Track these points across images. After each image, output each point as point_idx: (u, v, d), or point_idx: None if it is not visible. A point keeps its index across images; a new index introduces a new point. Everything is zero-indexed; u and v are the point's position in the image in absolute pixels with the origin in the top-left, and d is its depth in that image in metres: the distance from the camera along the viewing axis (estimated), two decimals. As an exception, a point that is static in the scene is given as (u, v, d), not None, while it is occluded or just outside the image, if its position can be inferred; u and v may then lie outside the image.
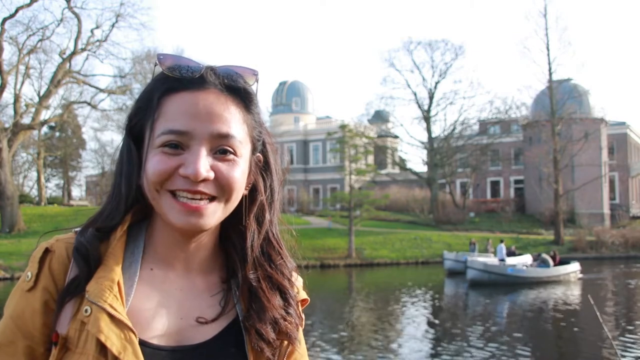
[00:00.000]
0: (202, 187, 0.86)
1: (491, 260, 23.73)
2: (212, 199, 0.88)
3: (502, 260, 23.44)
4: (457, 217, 43.41)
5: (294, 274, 1.06)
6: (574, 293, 19.55)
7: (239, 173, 0.90)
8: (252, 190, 0.98)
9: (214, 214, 0.89)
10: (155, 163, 0.86)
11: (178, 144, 0.87)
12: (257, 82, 0.94)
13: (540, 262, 23.48)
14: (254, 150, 0.96)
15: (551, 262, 23.14)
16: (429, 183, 44.79)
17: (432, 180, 44.53)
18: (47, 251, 0.91)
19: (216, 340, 0.94)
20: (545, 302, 17.49)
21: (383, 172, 51.07)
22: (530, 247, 36.29)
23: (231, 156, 0.89)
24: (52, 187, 56.44)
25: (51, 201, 46.67)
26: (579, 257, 34.54)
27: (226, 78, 0.91)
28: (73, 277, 0.89)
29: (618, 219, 44.94)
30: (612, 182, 50.21)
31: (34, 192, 48.91)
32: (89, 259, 0.89)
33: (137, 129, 0.92)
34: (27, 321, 0.88)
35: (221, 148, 0.88)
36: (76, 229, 0.95)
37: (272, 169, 1.01)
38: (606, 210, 46.34)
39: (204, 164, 0.86)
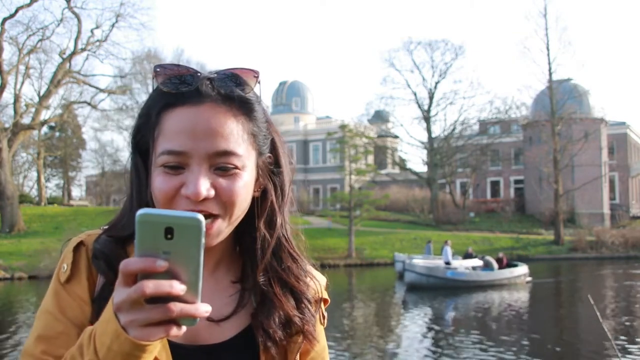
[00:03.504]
0: (203, 207, 0.85)
1: (432, 262, 22.41)
2: (215, 217, 0.87)
3: (448, 263, 22.10)
4: (457, 217, 43.40)
5: (317, 273, 1.07)
6: (517, 297, 18.89)
7: (242, 186, 0.89)
8: (264, 193, 0.97)
9: (218, 233, 0.88)
10: (158, 183, 0.87)
11: (178, 164, 0.86)
12: (259, 83, 0.92)
13: (484, 264, 22.27)
14: (260, 154, 0.95)
15: (495, 265, 22.00)
16: (429, 183, 44.78)
17: (432, 180, 44.52)
18: (80, 244, 0.94)
19: (232, 341, 0.96)
20: (484, 306, 17.03)
21: (383, 172, 51.06)
22: (530, 247, 36.32)
23: (233, 170, 0.88)
24: (52, 187, 56.47)
25: (51, 201, 46.69)
26: (579, 257, 34.62)
27: (222, 88, 0.89)
28: (102, 283, 0.91)
29: (618, 219, 44.93)
30: (612, 182, 50.22)
31: (34, 192, 48.90)
32: (110, 262, 0.91)
33: (142, 144, 0.93)
34: (67, 310, 0.89)
35: (221, 166, 0.87)
36: (104, 227, 0.97)
37: (283, 169, 1.00)
38: (606, 210, 46.35)
39: (204, 184, 0.84)
